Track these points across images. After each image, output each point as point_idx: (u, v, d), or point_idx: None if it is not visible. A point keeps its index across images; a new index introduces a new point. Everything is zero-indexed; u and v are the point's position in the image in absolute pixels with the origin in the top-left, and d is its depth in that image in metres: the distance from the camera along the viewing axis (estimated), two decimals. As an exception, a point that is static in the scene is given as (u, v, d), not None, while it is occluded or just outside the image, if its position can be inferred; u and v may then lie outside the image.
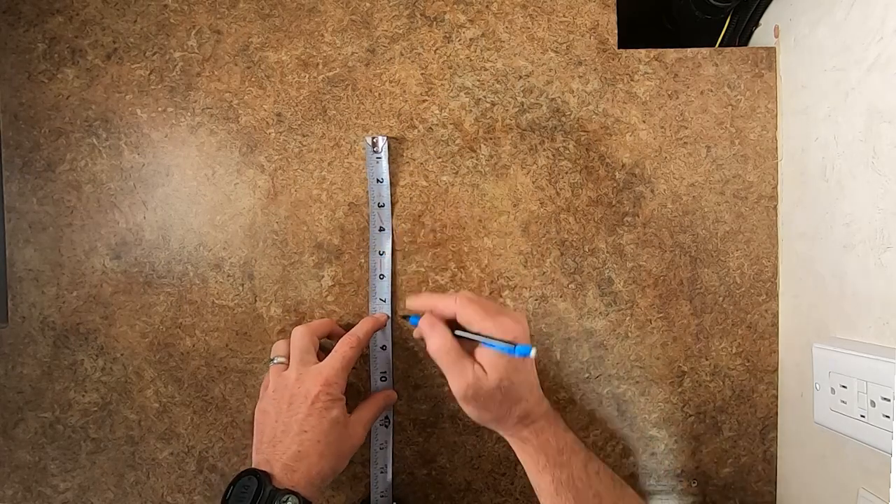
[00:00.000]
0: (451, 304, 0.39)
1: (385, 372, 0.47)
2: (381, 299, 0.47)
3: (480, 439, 0.48)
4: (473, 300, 0.39)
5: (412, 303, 0.42)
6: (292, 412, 0.39)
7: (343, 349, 0.41)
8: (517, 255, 0.48)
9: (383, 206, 0.47)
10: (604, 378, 0.48)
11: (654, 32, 0.59)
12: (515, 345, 0.36)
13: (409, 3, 0.47)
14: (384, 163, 0.47)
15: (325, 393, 0.39)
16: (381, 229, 0.47)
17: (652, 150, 0.47)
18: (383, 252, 0.47)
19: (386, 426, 0.47)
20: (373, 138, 0.46)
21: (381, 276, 0.47)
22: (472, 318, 0.38)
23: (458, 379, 0.37)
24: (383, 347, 0.47)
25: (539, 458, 0.39)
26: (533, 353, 0.35)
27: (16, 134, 0.47)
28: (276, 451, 0.38)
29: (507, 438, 0.40)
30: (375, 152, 0.46)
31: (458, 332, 0.39)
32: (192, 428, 0.48)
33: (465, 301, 0.39)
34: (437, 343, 0.38)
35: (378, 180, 0.47)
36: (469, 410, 0.39)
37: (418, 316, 0.41)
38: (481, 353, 0.37)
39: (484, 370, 0.37)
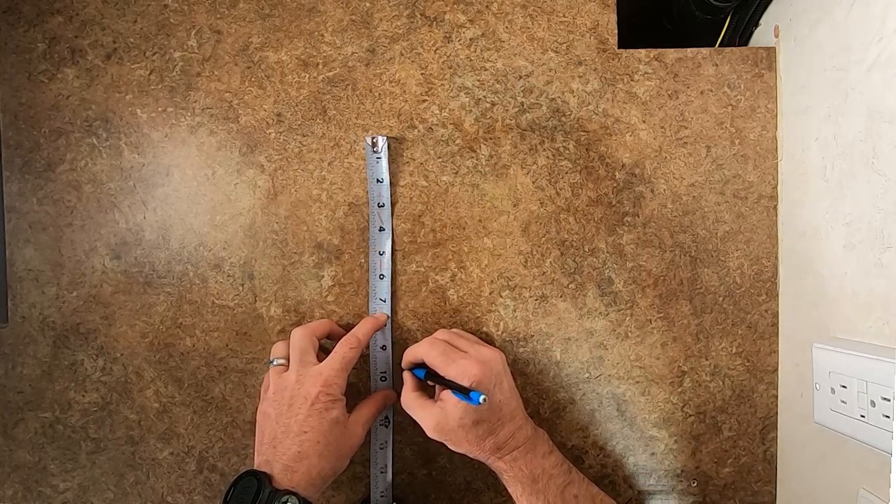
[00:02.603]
0: (422, 350, 0.42)
1: (385, 372, 0.47)
2: (381, 299, 0.47)
3: (480, 439, 0.48)
4: (438, 344, 0.42)
5: (404, 360, 0.44)
6: (292, 413, 0.39)
7: (343, 350, 0.41)
8: (517, 255, 0.48)
9: (383, 206, 0.47)
10: (604, 378, 0.48)
11: (654, 32, 0.59)
12: (470, 391, 0.38)
13: (409, 3, 0.47)
14: (384, 163, 0.47)
15: (324, 394, 0.39)
16: (381, 229, 0.47)
17: (652, 150, 0.47)
18: (383, 252, 0.47)
19: (386, 426, 0.47)
20: (373, 138, 0.46)
21: (381, 276, 0.47)
22: (435, 363, 0.41)
23: (423, 421, 0.41)
24: (383, 347, 0.47)
25: (515, 487, 0.40)
26: (482, 399, 0.36)
27: (16, 134, 0.47)
28: (277, 451, 0.38)
29: (489, 467, 0.42)
30: (375, 152, 0.46)
31: (428, 380, 0.43)
32: (192, 428, 0.48)
33: (428, 347, 0.42)
34: (403, 394, 0.43)
35: (378, 180, 0.47)
36: (446, 443, 0.41)
37: (418, 366, 0.43)
38: (445, 395, 0.40)
39: (446, 412, 0.39)
